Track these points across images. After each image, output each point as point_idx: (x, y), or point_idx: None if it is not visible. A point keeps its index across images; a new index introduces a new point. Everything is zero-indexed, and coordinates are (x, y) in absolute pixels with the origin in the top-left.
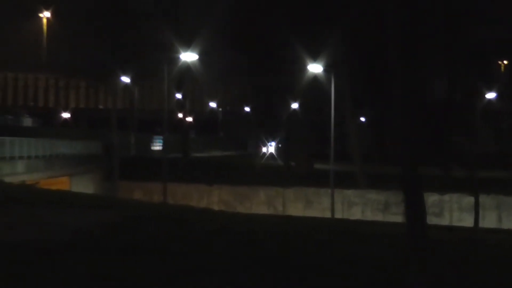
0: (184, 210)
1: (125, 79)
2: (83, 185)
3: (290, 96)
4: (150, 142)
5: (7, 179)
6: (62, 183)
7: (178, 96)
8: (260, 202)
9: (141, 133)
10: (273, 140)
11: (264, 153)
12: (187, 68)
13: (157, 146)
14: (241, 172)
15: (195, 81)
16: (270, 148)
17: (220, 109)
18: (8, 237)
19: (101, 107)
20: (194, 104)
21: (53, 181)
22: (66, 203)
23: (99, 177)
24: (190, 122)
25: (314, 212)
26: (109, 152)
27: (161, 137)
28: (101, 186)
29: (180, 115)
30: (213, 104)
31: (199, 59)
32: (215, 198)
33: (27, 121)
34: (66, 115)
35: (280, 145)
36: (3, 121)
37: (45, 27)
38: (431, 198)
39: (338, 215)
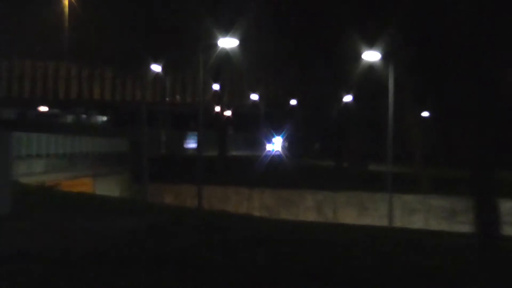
0: (221, 216)
1: (156, 68)
2: (108, 187)
3: (343, 88)
4: (183, 139)
5: (24, 180)
6: (84, 184)
7: (215, 87)
8: (307, 208)
9: (173, 129)
10: (278, 135)
11: (269, 151)
12: (226, 56)
13: (191, 144)
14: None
15: (234, 71)
16: (275, 145)
17: (263, 103)
18: (25, 246)
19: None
20: (233, 97)
21: (75, 182)
22: (89, 207)
23: (126, 178)
24: (228, 117)
25: (370, 219)
26: (138, 151)
27: (196, 133)
28: (128, 188)
29: (217, 109)
30: (254, 97)
31: (240, 45)
32: (256, 203)
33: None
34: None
35: (286, 142)
36: (84, 119)
37: (66, 9)
38: (505, 205)
39: (397, 224)
